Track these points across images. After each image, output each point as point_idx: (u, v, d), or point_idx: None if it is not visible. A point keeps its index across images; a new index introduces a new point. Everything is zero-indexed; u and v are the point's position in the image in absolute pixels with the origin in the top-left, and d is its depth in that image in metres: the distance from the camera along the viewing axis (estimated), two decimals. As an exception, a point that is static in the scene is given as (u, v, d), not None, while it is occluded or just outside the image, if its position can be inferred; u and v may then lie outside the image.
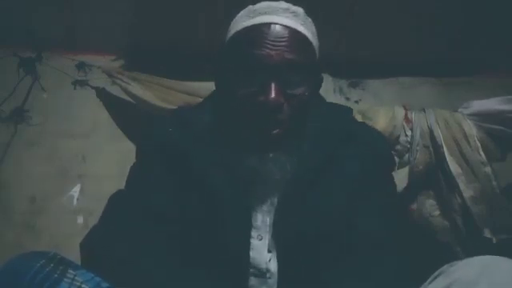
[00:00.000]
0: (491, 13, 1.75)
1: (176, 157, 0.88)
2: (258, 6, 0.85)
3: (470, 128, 1.64)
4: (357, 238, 0.87)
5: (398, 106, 1.73)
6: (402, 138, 1.67)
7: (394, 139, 1.66)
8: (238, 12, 0.88)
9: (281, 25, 0.81)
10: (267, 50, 0.79)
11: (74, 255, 0.92)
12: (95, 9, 1.78)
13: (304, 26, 0.84)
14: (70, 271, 0.78)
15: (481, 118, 1.65)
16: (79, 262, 0.89)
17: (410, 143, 1.66)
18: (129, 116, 1.85)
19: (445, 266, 0.84)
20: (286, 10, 0.84)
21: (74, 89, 1.90)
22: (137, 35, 1.88)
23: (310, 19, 0.87)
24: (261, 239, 0.86)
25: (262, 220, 0.86)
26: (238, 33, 0.84)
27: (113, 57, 1.93)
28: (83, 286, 0.77)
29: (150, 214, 0.87)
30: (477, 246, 1.58)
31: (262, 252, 0.85)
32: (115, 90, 1.85)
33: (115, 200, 0.96)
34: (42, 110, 1.86)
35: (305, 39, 0.83)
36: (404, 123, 1.68)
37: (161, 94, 1.74)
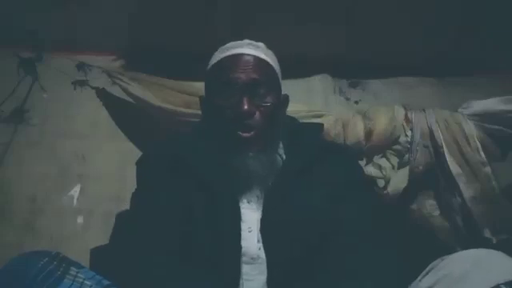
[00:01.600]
0: (491, 13, 1.75)
1: (173, 168, 1.04)
2: (228, 44, 1.09)
3: (470, 128, 1.64)
4: (340, 231, 1.00)
5: (398, 105, 1.73)
6: (402, 138, 1.66)
7: (394, 139, 1.66)
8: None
9: (247, 54, 1.05)
10: (238, 73, 1.02)
11: (74, 255, 0.93)
12: (95, 9, 1.78)
13: (265, 54, 1.07)
14: (73, 268, 0.85)
15: (481, 117, 1.65)
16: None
17: (410, 143, 1.65)
18: (129, 116, 1.85)
19: (436, 261, 0.89)
20: (249, 44, 1.08)
21: (74, 89, 1.89)
22: (137, 35, 1.88)
23: (270, 51, 1.11)
24: (250, 231, 1.01)
25: (251, 215, 1.02)
26: (217, 62, 1.08)
27: (113, 57, 1.93)
28: (86, 282, 0.82)
29: (154, 217, 1.01)
30: (477, 246, 1.58)
31: (252, 242, 1.00)
32: (115, 90, 1.85)
33: (122, 216, 1.18)
34: (42, 110, 1.86)
35: (266, 63, 1.06)
36: (404, 123, 1.68)
37: (161, 93, 1.73)
